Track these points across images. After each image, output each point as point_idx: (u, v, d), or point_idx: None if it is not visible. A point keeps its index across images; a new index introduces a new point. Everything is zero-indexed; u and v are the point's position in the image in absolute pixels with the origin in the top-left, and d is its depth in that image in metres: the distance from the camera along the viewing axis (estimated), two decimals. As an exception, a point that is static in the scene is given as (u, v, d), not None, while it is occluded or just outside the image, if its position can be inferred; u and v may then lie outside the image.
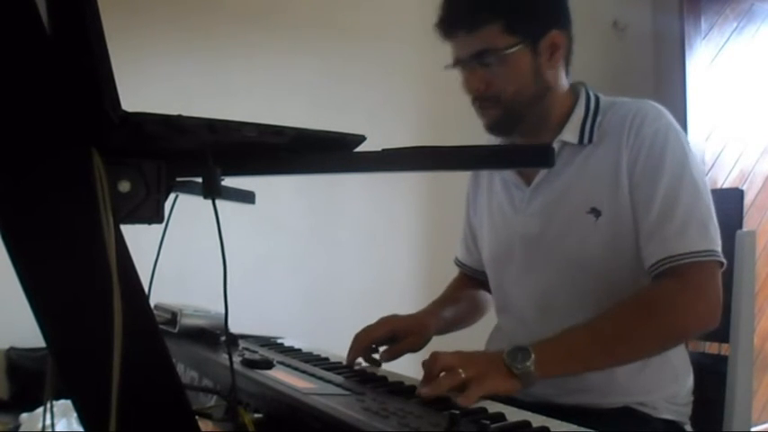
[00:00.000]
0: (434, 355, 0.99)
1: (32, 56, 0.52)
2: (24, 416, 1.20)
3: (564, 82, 1.29)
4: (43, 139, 0.53)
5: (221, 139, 0.63)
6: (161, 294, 0.95)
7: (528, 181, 1.30)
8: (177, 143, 0.64)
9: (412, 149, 0.63)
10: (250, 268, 2.29)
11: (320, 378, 1.00)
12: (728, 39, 3.45)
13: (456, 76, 1.29)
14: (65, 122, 0.53)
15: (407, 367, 1.22)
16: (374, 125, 2.38)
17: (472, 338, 1.53)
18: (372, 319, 1.35)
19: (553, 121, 1.28)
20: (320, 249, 2.59)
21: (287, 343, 1.36)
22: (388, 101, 2.67)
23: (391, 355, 1.25)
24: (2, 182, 0.52)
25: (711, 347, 1.54)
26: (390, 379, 1.05)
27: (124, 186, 0.60)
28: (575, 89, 1.31)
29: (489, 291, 1.51)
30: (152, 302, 0.75)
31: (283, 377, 0.97)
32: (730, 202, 1.44)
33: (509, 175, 1.34)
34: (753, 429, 2.33)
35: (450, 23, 1.23)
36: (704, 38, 3.38)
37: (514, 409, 0.89)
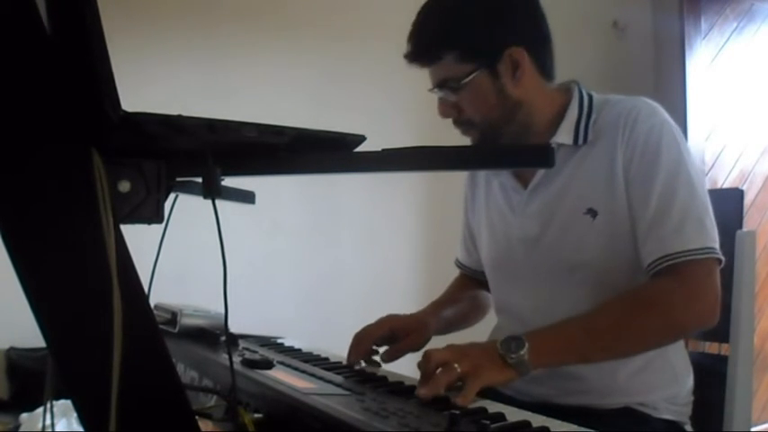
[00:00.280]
0: (428, 353, 0.99)
1: (32, 56, 0.52)
2: (24, 416, 1.20)
3: (543, 88, 1.27)
4: (43, 139, 0.53)
5: (221, 139, 0.63)
6: (161, 294, 0.95)
7: (525, 183, 1.31)
8: (177, 143, 0.64)
9: (412, 149, 0.63)
10: (250, 268, 2.29)
11: (320, 378, 1.00)
12: (728, 39, 3.45)
13: None
14: (65, 122, 0.53)
15: (407, 367, 1.22)
16: (374, 125, 2.38)
17: (472, 338, 1.53)
18: (372, 319, 1.35)
19: (540, 126, 1.27)
20: (320, 249, 2.59)
21: (287, 343, 1.36)
22: (389, 101, 2.67)
23: (392, 356, 1.25)
24: (2, 182, 0.52)
25: (711, 347, 1.54)
26: (390, 379, 1.05)
27: (124, 186, 0.60)
28: (567, 89, 1.30)
29: (489, 291, 1.51)
30: (152, 302, 0.75)
31: (283, 377, 0.97)
32: (730, 202, 1.44)
33: (506, 177, 1.34)
34: (753, 429, 2.33)
35: (411, 59, 1.25)
36: (704, 38, 3.38)
37: (514, 409, 0.89)
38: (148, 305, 0.60)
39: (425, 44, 1.23)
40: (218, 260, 0.66)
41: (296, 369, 1.05)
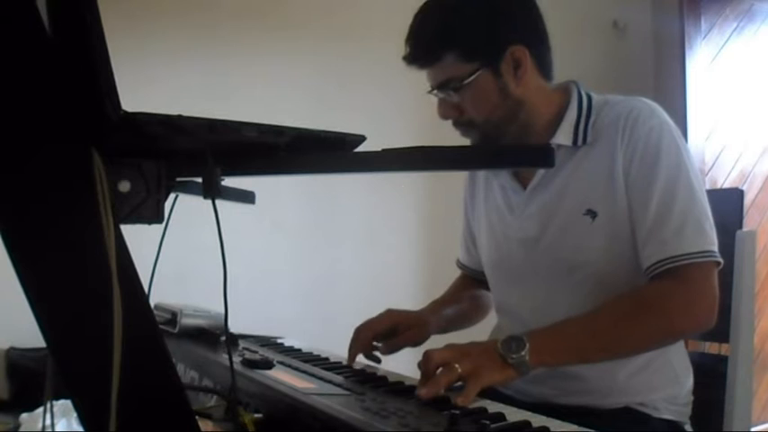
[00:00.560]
0: (428, 353, 0.99)
1: (33, 56, 0.52)
2: (24, 416, 1.20)
3: (544, 87, 1.27)
4: (43, 139, 0.53)
5: (221, 139, 0.63)
6: (161, 294, 0.95)
7: (524, 184, 1.30)
8: (177, 143, 0.64)
9: (412, 149, 0.63)
10: (250, 268, 2.29)
11: (320, 378, 1.00)
12: (728, 39, 3.45)
13: None
14: (65, 122, 0.53)
15: (408, 367, 1.22)
16: (374, 125, 2.38)
17: (472, 338, 1.53)
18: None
19: (540, 126, 1.27)
20: (320, 249, 2.59)
21: (287, 343, 1.36)
22: (389, 101, 2.67)
23: (391, 348, 1.26)
24: (2, 182, 0.52)
25: (711, 347, 1.54)
26: (390, 379, 1.05)
27: (124, 186, 0.60)
28: (566, 89, 1.30)
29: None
30: (152, 302, 0.75)
31: (283, 377, 0.97)
32: (730, 202, 1.44)
33: (505, 178, 1.34)
34: (753, 429, 2.33)
35: (411, 60, 1.24)
36: (704, 38, 3.38)
37: (514, 409, 0.89)
38: (148, 305, 0.60)
39: (425, 45, 1.22)
40: (218, 260, 0.66)
41: (296, 369, 1.05)
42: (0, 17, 0.50)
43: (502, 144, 1.30)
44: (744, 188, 3.24)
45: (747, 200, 3.31)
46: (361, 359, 1.25)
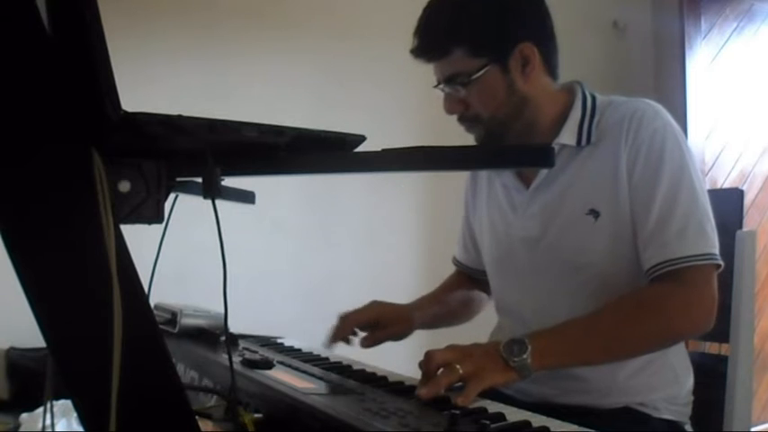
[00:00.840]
0: (430, 354, 0.99)
1: (33, 56, 0.52)
2: (24, 416, 1.20)
3: (549, 86, 1.28)
4: (43, 139, 0.53)
5: (221, 139, 0.63)
6: (161, 294, 0.95)
7: (527, 183, 1.30)
8: (177, 143, 0.64)
9: (412, 149, 0.63)
10: (250, 268, 2.28)
11: (320, 378, 1.00)
12: (728, 39, 3.45)
13: None
14: (65, 122, 0.53)
15: (407, 367, 1.22)
16: (375, 124, 2.38)
17: (474, 337, 1.53)
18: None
19: (544, 125, 1.27)
20: (320, 249, 2.59)
21: (287, 343, 1.36)
22: (389, 100, 2.67)
23: (371, 342, 1.28)
24: (2, 182, 0.52)
25: (711, 347, 1.54)
26: (390, 379, 1.05)
27: (124, 186, 0.60)
28: (570, 90, 1.30)
29: (485, 290, 1.52)
30: (152, 302, 0.75)
31: (283, 377, 0.97)
32: (730, 202, 1.44)
33: (508, 177, 1.34)
34: (753, 429, 2.33)
35: (419, 54, 1.24)
36: (704, 38, 3.38)
37: (514, 409, 0.89)
38: (148, 305, 0.60)
39: (434, 39, 1.22)
40: (218, 260, 0.66)
41: (296, 369, 1.05)
42: (0, 17, 0.50)
43: (502, 144, 1.30)
44: (744, 188, 3.24)
45: (747, 200, 3.31)
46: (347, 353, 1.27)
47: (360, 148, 0.69)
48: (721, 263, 1.15)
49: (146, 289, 0.61)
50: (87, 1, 0.53)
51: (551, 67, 1.28)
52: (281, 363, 1.09)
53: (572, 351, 1.10)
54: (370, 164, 0.68)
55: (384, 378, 1.06)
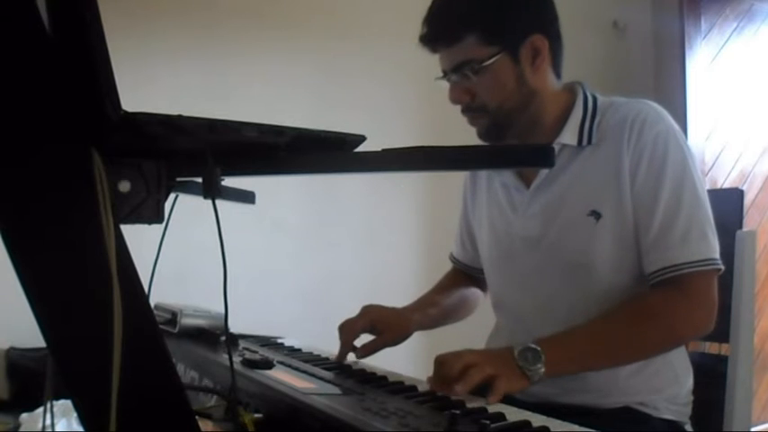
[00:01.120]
0: (457, 354, 1.01)
1: (33, 56, 0.52)
2: (24, 416, 1.20)
3: (554, 84, 1.29)
4: (43, 140, 0.53)
5: (221, 139, 0.63)
6: (161, 294, 0.95)
7: (528, 183, 1.30)
8: (177, 143, 0.64)
9: (412, 149, 0.63)
10: (250, 268, 2.28)
11: (320, 378, 1.00)
12: (728, 39, 3.45)
13: None
14: (65, 122, 0.53)
15: (408, 367, 1.22)
16: (375, 124, 2.38)
17: (472, 337, 1.53)
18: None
19: (547, 123, 1.27)
20: (320, 249, 2.59)
21: (287, 343, 1.36)
22: (391, 100, 2.67)
23: (368, 352, 1.27)
24: (2, 181, 0.52)
25: (711, 347, 1.54)
26: (390, 379, 1.05)
27: (124, 186, 0.60)
28: (572, 90, 1.30)
29: (481, 287, 1.52)
30: (152, 302, 0.75)
31: (283, 377, 0.97)
32: (730, 202, 1.44)
33: (508, 177, 1.34)
34: (753, 429, 2.33)
35: (429, 40, 1.24)
36: (704, 38, 3.38)
37: (514, 409, 0.89)
38: (148, 305, 0.60)
39: (447, 24, 1.22)
40: (218, 260, 0.66)
41: (296, 369, 1.05)
42: (0, 17, 0.50)
43: (501, 145, 1.30)
44: (744, 188, 3.24)
45: (747, 200, 3.31)
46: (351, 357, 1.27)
47: (360, 148, 0.69)
48: (722, 267, 1.17)
49: (146, 289, 0.60)
50: (87, 1, 0.53)
51: (557, 66, 1.28)
52: (281, 363, 1.09)
53: (580, 359, 1.13)
54: (370, 164, 0.68)
55: (384, 378, 1.06)
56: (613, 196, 1.19)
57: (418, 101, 2.61)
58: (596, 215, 1.21)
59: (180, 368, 1.19)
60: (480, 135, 1.29)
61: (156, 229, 0.69)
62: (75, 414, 0.86)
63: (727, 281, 1.34)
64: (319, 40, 2.59)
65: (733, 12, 3.46)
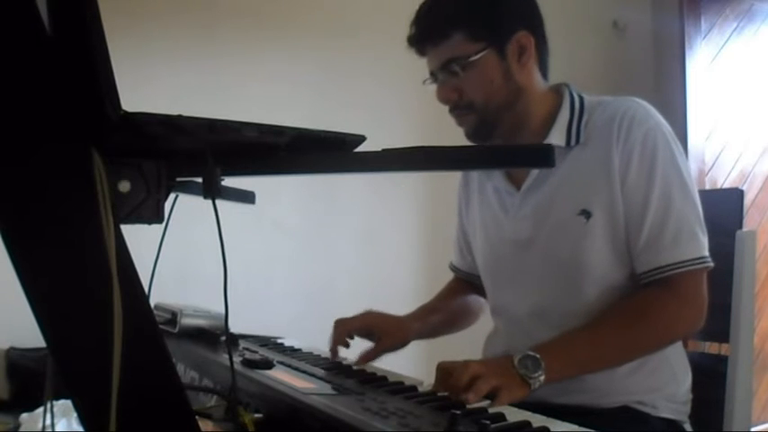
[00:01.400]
0: (465, 364, 1.01)
1: (33, 56, 0.52)
2: (24, 416, 1.20)
3: (540, 84, 1.30)
4: (43, 139, 0.53)
5: (221, 139, 0.63)
6: (161, 294, 0.95)
7: (518, 186, 1.31)
8: (177, 143, 0.64)
9: (412, 149, 0.63)
10: (250, 268, 2.29)
11: (320, 378, 1.00)
12: (728, 39, 3.45)
13: None
14: (65, 122, 0.53)
15: (407, 367, 1.22)
16: (376, 124, 2.38)
17: (470, 340, 1.53)
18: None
19: (534, 123, 1.28)
20: (320, 249, 2.59)
21: (287, 343, 1.36)
22: (391, 100, 2.67)
23: (367, 360, 1.27)
24: (2, 181, 0.52)
25: (711, 347, 1.54)
26: (390, 379, 1.05)
27: (124, 186, 0.60)
28: (558, 91, 1.31)
29: (483, 295, 1.52)
30: (152, 302, 0.75)
31: (283, 377, 0.97)
32: (730, 202, 1.44)
33: (499, 180, 1.35)
34: (753, 429, 2.33)
35: (416, 41, 1.26)
36: (704, 38, 3.37)
37: (514, 409, 0.89)
38: (148, 305, 0.60)
39: (434, 24, 1.24)
40: (218, 260, 0.66)
41: (296, 369, 1.05)
42: (0, 17, 0.50)
43: (501, 145, 1.31)
44: (744, 188, 3.23)
45: (747, 200, 3.31)
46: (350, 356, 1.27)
47: (360, 148, 0.69)
48: (711, 264, 1.19)
49: (146, 289, 0.60)
50: (87, 1, 0.53)
51: (543, 67, 1.30)
52: (281, 363, 1.09)
53: (578, 364, 1.14)
54: (370, 164, 0.68)
55: (384, 378, 1.06)
56: (603, 195, 1.20)
57: (418, 100, 2.61)
58: (586, 214, 1.21)
59: (180, 368, 1.19)
60: (468, 135, 1.30)
61: (156, 229, 0.69)
62: (75, 414, 0.86)
63: (727, 281, 1.34)
64: (319, 40, 2.59)
65: (733, 12, 3.46)
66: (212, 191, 0.63)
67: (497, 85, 1.24)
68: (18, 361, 2.00)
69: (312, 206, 2.59)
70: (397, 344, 1.33)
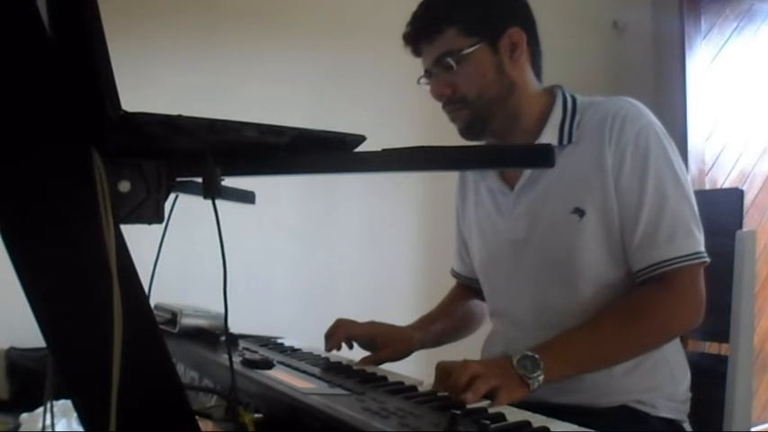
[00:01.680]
0: (464, 364, 1.01)
1: (33, 56, 0.52)
2: (24, 416, 1.20)
3: (533, 83, 1.31)
4: (43, 140, 0.53)
5: (221, 139, 0.63)
6: (161, 294, 0.95)
7: (512, 186, 1.32)
8: (177, 143, 0.64)
9: (412, 149, 0.63)
10: (250, 268, 2.28)
11: (320, 378, 1.00)
12: (728, 39, 3.45)
13: None
14: (65, 122, 0.53)
15: (407, 367, 1.22)
16: (377, 124, 2.38)
17: (468, 342, 1.53)
18: (371, 319, 1.36)
19: (526, 121, 1.29)
20: (320, 249, 2.59)
21: (287, 343, 1.36)
22: (391, 100, 2.67)
23: (369, 365, 1.27)
24: (1, 181, 0.52)
25: (711, 347, 1.54)
26: (390, 379, 1.05)
27: (124, 186, 0.60)
28: (551, 92, 1.32)
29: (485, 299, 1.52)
30: (152, 302, 0.75)
31: (283, 377, 0.97)
32: (730, 202, 1.44)
33: (493, 180, 1.35)
34: (753, 429, 2.33)
35: (411, 38, 1.29)
36: (704, 38, 3.37)
37: (514, 410, 0.89)
38: (148, 305, 0.60)
39: (429, 21, 1.26)
40: (218, 260, 0.66)
41: (296, 369, 1.05)
42: (0, 17, 0.50)
43: (501, 145, 1.31)
44: (744, 188, 3.23)
45: (747, 200, 3.31)
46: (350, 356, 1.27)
47: (360, 148, 0.69)
48: (707, 260, 1.19)
49: (146, 289, 0.60)
50: (87, 1, 0.53)
51: (536, 66, 1.32)
52: (281, 363, 1.09)
53: (576, 363, 1.14)
54: (370, 164, 0.68)
55: (384, 378, 1.06)
56: (597, 193, 1.21)
57: (418, 100, 2.60)
58: (580, 213, 1.22)
59: (180, 368, 1.19)
60: (461, 130, 1.31)
61: (156, 229, 0.69)
62: (75, 414, 0.86)
63: (727, 281, 1.34)
64: (319, 40, 2.59)
65: (733, 12, 3.46)
66: (212, 191, 0.63)
67: (490, 79, 1.25)
68: (18, 361, 2.00)
69: (312, 206, 2.59)
70: (399, 354, 1.34)
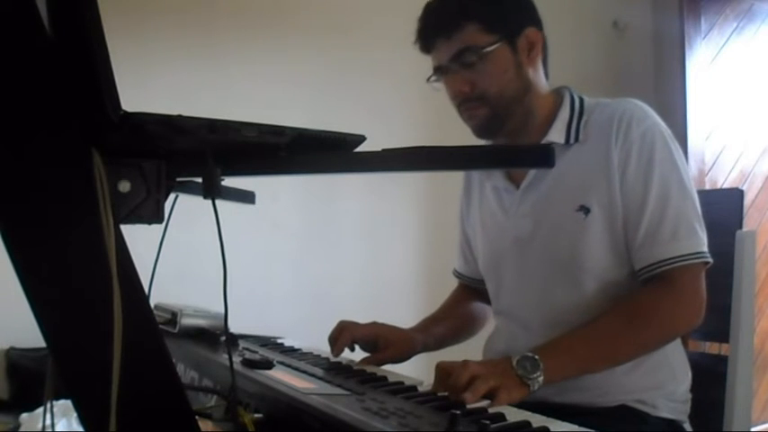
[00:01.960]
0: (464, 364, 1.01)
1: (33, 56, 0.52)
2: (24, 416, 1.20)
3: (544, 83, 1.32)
4: (43, 140, 0.53)
5: (221, 139, 0.63)
6: (161, 294, 0.95)
7: (517, 184, 1.32)
8: (177, 143, 0.64)
9: (412, 149, 0.63)
10: (250, 268, 2.28)
11: (320, 378, 0.99)
12: (728, 39, 3.45)
13: None
14: (65, 123, 0.53)
15: (407, 367, 1.22)
16: (377, 124, 2.38)
17: (468, 342, 1.53)
18: (372, 320, 1.36)
19: (537, 121, 1.30)
20: (320, 249, 2.59)
21: (287, 343, 1.36)
22: (392, 100, 2.67)
23: (367, 364, 1.27)
24: (1, 183, 0.52)
25: (711, 347, 1.54)
26: (390, 379, 1.05)
27: (124, 186, 0.60)
28: (558, 93, 1.33)
29: (488, 300, 1.52)
30: (152, 302, 0.75)
31: (283, 377, 0.97)
32: (730, 202, 1.44)
33: (498, 180, 1.35)
34: (753, 429, 2.33)
35: (429, 32, 1.27)
36: (704, 38, 3.37)
37: (514, 409, 0.89)
38: (148, 305, 0.60)
39: (448, 15, 1.25)
40: (218, 260, 0.66)
41: (296, 369, 1.05)
42: (0, 17, 0.50)
43: (501, 145, 1.31)
44: (744, 188, 3.23)
45: (747, 200, 3.31)
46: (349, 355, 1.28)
47: (360, 148, 0.69)
48: (710, 260, 1.19)
49: (146, 289, 0.61)
50: (87, 1, 0.53)
51: (545, 68, 1.32)
52: (281, 363, 1.09)
53: (576, 364, 1.14)
54: (370, 164, 0.68)
55: (384, 378, 1.06)
56: (602, 191, 1.21)
57: (419, 100, 2.61)
58: (585, 210, 1.22)
59: (180, 368, 1.19)
60: (477, 129, 1.29)
61: (156, 229, 0.69)
62: (75, 414, 0.86)
63: (727, 281, 1.34)
64: (319, 40, 2.59)
65: (733, 12, 3.46)
66: (212, 191, 0.63)
67: (510, 78, 1.25)
68: (18, 361, 2.00)
69: (312, 206, 2.59)
70: (401, 356, 1.33)
